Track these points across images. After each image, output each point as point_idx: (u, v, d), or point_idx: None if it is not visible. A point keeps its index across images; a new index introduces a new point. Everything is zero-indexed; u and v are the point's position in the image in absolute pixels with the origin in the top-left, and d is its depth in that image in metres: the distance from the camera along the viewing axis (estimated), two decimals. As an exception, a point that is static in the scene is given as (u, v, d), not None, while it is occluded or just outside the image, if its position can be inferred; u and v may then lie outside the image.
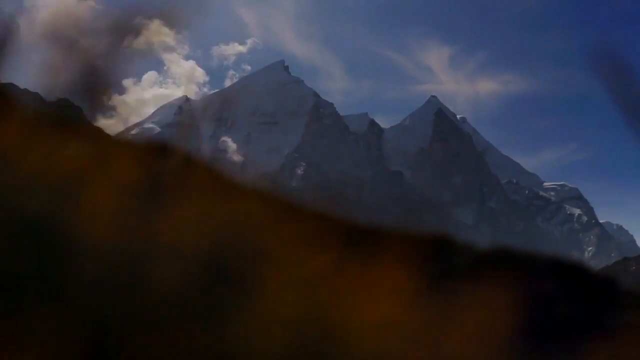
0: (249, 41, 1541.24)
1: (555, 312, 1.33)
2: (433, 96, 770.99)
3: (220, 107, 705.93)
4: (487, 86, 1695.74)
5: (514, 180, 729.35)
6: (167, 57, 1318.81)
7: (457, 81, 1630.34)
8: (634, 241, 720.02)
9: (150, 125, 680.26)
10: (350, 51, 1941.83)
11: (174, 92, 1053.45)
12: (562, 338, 1.28)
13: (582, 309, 1.35)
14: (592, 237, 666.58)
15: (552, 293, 1.39)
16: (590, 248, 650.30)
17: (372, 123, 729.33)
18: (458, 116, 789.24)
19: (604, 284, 1.48)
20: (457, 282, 1.42)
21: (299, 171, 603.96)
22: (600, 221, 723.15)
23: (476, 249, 1.66)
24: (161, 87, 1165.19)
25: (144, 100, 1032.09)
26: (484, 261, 1.56)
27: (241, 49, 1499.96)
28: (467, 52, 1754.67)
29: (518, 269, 1.48)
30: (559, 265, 1.52)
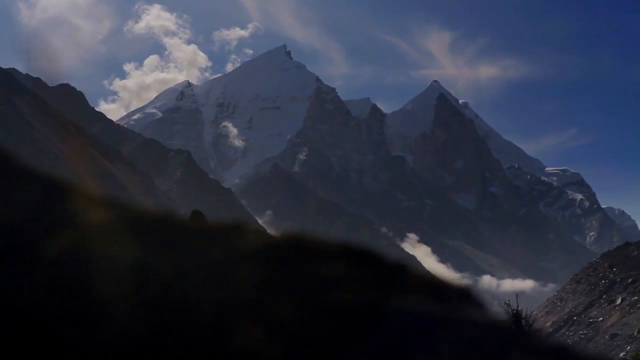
0: (250, 25, 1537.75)
1: (340, 296, 1.35)
2: (435, 81, 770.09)
3: (222, 93, 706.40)
4: (488, 71, 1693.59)
5: (516, 166, 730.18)
6: (168, 41, 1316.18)
7: (458, 66, 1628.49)
8: (635, 226, 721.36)
9: (152, 110, 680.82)
10: (351, 36, 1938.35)
11: (176, 77, 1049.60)
12: (344, 323, 1.32)
13: (367, 295, 1.37)
14: (594, 222, 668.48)
15: (340, 278, 1.41)
16: (592, 233, 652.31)
17: (374, 108, 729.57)
18: (460, 101, 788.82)
19: (395, 269, 1.51)
20: (244, 267, 1.42)
21: (301, 156, 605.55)
22: (602, 206, 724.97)
23: (267, 234, 1.64)
24: (163, 72, 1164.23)
25: (145, 84, 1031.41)
26: (274, 247, 1.52)
27: (243, 33, 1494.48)
28: (467, 37, 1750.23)
29: (307, 255, 1.48)
30: (349, 251, 1.50)
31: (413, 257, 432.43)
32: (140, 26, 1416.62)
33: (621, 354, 66.22)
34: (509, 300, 24.63)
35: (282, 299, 1.40)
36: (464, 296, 1.56)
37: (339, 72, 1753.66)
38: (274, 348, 1.27)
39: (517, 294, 27.15)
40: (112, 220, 1.56)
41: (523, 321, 24.36)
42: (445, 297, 1.49)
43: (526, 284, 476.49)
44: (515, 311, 24.54)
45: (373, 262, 1.51)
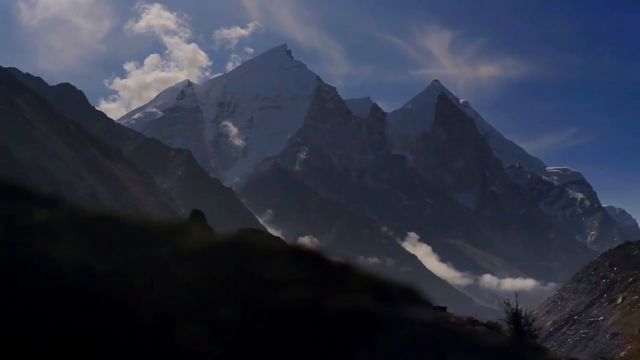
0: (251, 25, 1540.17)
1: (282, 296, 1.35)
2: (435, 80, 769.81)
3: (223, 92, 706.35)
4: (488, 71, 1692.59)
5: (517, 165, 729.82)
6: (168, 40, 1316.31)
7: (458, 66, 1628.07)
8: (636, 225, 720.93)
9: (153, 110, 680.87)
10: (350, 35, 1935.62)
11: (177, 76, 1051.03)
12: (285, 322, 1.32)
13: (309, 295, 1.37)
14: (594, 221, 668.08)
15: (282, 278, 1.40)
16: (593, 232, 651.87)
17: (375, 107, 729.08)
18: (460, 100, 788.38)
19: (338, 269, 1.53)
20: (188, 266, 1.42)
21: (302, 155, 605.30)
22: (603, 205, 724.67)
23: (213, 234, 1.56)
24: (163, 71, 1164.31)
25: (146, 83, 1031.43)
26: (219, 246, 1.47)
27: (243, 32, 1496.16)
28: (467, 36, 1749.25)
29: (251, 255, 1.44)
30: (293, 251, 1.52)
31: (414, 257, 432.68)
32: (141, 25, 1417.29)
33: (622, 353, 66.16)
34: (508, 300, 24.58)
35: (224, 299, 1.41)
36: (409, 295, 1.56)
37: (339, 72, 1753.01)
38: (216, 348, 1.29)
39: (517, 293, 27.11)
40: (54, 219, 1.50)
41: (522, 320, 24.33)
42: (389, 296, 1.50)
43: (527, 283, 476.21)
44: (514, 310, 24.50)
45: (317, 262, 1.54)
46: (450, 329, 1.59)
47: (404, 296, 1.47)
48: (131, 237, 1.46)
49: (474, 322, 33.69)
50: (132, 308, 1.32)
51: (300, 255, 1.52)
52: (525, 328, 24.19)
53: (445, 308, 35.59)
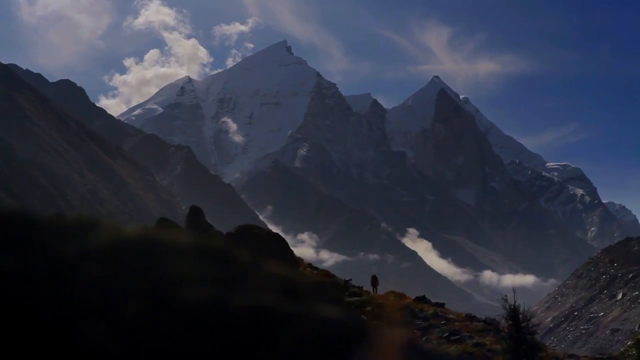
0: (250, 20, 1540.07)
1: (187, 293, 1.36)
2: (436, 76, 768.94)
3: (223, 88, 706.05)
4: (487, 67, 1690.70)
5: (517, 161, 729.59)
6: (167, 36, 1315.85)
7: (457, 62, 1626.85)
8: (636, 221, 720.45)
9: (153, 106, 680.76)
10: (349, 32, 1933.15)
11: (177, 71, 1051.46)
12: (191, 319, 1.32)
13: (215, 292, 1.38)
14: (594, 217, 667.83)
15: (188, 275, 1.41)
16: (593, 228, 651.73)
17: (375, 103, 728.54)
18: (461, 96, 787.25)
19: (248, 266, 1.51)
20: (92, 263, 1.40)
21: (302, 151, 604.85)
22: (603, 201, 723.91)
23: (119, 231, 1.54)
24: (163, 67, 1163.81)
25: (146, 79, 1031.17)
26: (124, 243, 1.47)
27: (243, 28, 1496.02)
28: (466, 32, 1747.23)
29: (157, 252, 1.46)
30: (199, 248, 1.50)
31: (414, 253, 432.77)
32: (140, 21, 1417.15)
33: (622, 349, 66.06)
34: (505, 296, 24.56)
35: (129, 296, 1.38)
36: (319, 293, 1.54)
37: (338, 68, 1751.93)
38: (119, 345, 1.27)
39: (515, 289, 27.08)
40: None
41: (520, 316, 24.31)
42: (299, 293, 1.48)
43: (527, 279, 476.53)
44: (512, 307, 24.47)
45: (225, 259, 1.50)
46: (357, 326, 1.58)
47: (313, 294, 1.46)
48: (36, 234, 1.43)
49: (472, 318, 33.74)
50: (34, 305, 1.30)
51: (208, 251, 1.50)
52: (523, 324, 24.18)
53: (443, 304, 35.68)
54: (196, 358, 1.32)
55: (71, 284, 1.33)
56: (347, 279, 40.04)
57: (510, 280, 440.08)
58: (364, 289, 38.63)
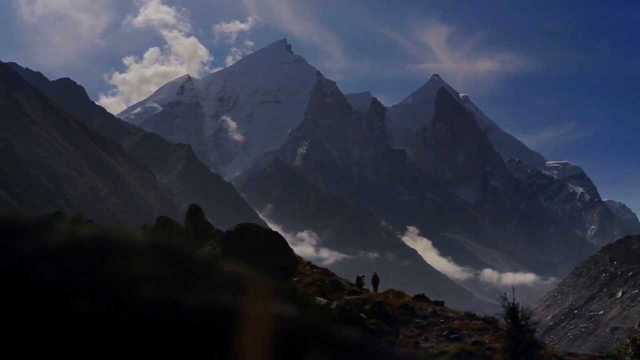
0: (250, 18, 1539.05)
1: (141, 292, 1.35)
2: (435, 75, 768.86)
3: (223, 87, 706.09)
4: (486, 65, 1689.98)
5: (517, 159, 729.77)
6: (167, 34, 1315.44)
7: (456, 60, 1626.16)
8: (636, 219, 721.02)
9: (153, 105, 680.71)
10: (348, 30, 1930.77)
11: (177, 69, 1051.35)
12: (144, 318, 1.32)
13: (169, 291, 1.37)
14: (594, 215, 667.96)
15: (143, 274, 1.40)
16: (593, 226, 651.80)
17: (375, 102, 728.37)
18: (460, 95, 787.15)
19: (202, 266, 1.51)
20: (47, 262, 1.38)
21: (302, 150, 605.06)
22: (603, 200, 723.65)
23: (75, 229, 1.54)
24: (163, 65, 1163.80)
25: (145, 77, 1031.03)
26: (80, 242, 1.46)
27: (242, 26, 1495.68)
28: (465, 31, 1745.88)
29: (112, 250, 1.44)
30: (155, 247, 1.50)
31: (414, 251, 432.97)
32: (139, 20, 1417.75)
33: (618, 348, 66.07)
34: (505, 294, 24.56)
35: (82, 295, 1.35)
36: (277, 292, 1.52)
37: (337, 67, 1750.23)
38: (71, 344, 1.28)
39: (514, 288, 27.11)
40: None
41: (519, 315, 24.33)
42: (253, 292, 1.48)
43: (527, 278, 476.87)
44: (511, 305, 24.48)
45: (180, 258, 1.50)
46: (312, 325, 1.50)
47: (269, 292, 1.49)
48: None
49: (471, 316, 33.77)
50: None
51: (163, 251, 1.49)
52: (522, 323, 24.18)
53: (442, 303, 35.70)
54: (148, 357, 1.32)
55: (23, 283, 1.34)
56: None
57: (511, 278, 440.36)
58: (364, 287, 38.80)
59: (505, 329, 25.11)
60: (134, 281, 1.38)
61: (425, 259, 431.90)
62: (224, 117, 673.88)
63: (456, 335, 29.11)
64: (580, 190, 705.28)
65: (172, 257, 1.48)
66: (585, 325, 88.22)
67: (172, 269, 1.45)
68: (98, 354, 1.32)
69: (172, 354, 1.34)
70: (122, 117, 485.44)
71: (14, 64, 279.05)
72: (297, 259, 39.55)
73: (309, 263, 41.55)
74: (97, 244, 1.43)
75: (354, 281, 38.58)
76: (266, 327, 1.36)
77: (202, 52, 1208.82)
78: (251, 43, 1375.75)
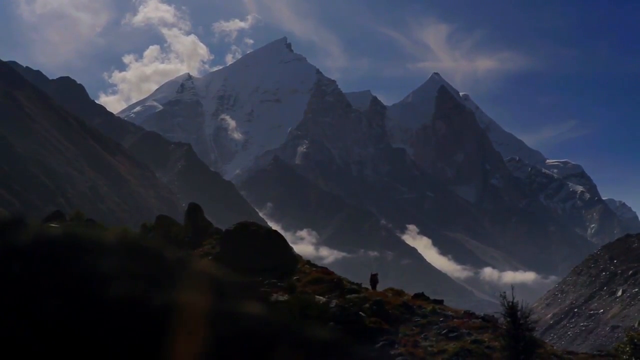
0: (250, 17, 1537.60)
1: (111, 291, 1.34)
2: (435, 73, 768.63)
3: (223, 85, 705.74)
4: (486, 64, 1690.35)
5: (517, 158, 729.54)
6: (167, 32, 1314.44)
7: (456, 59, 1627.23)
8: (636, 218, 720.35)
9: (153, 103, 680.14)
10: (348, 29, 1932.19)
11: (177, 68, 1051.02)
12: (113, 316, 1.31)
13: (140, 289, 1.36)
14: (594, 214, 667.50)
15: (113, 273, 1.39)
16: (593, 225, 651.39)
17: (375, 100, 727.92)
18: (461, 93, 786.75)
19: (174, 265, 1.49)
20: (14, 262, 1.37)
21: (302, 148, 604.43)
22: (603, 198, 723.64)
23: (44, 228, 1.48)
24: (163, 63, 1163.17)
25: (145, 76, 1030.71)
26: (48, 241, 1.42)
27: (242, 24, 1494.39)
28: (464, 29, 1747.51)
29: (81, 249, 1.41)
30: (126, 246, 1.47)
31: (414, 250, 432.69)
32: (139, 18, 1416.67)
33: (615, 346, 66.07)
34: (504, 292, 24.54)
35: (52, 294, 1.36)
36: (247, 291, 1.54)
37: (337, 65, 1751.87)
38: (40, 344, 1.25)
39: (514, 286, 27.07)
40: None
41: (519, 313, 24.30)
42: (226, 292, 1.49)
43: (527, 276, 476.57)
44: (510, 304, 24.46)
45: (150, 257, 1.49)
46: (281, 323, 1.58)
47: (239, 292, 1.47)
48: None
49: (470, 315, 33.74)
50: None
51: (133, 249, 1.48)
52: (521, 321, 24.16)
53: (442, 301, 35.66)
54: (117, 355, 1.30)
55: None
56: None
57: (511, 277, 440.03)
58: (363, 285, 38.73)
59: (505, 327, 25.10)
60: (103, 280, 1.40)
61: (425, 258, 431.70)
62: (224, 116, 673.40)
63: (455, 333, 29.08)
64: (580, 188, 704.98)
65: (142, 255, 1.49)
66: (585, 323, 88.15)
67: (141, 268, 1.46)
68: (67, 353, 1.33)
69: (141, 353, 1.35)
70: (122, 116, 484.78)
71: (14, 62, 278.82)
72: (297, 258, 39.56)
73: (308, 262, 41.51)
74: (65, 243, 1.43)
75: (354, 280, 38.52)
76: (229, 325, 1.37)
77: (202, 50, 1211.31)
78: (251, 41, 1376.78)
